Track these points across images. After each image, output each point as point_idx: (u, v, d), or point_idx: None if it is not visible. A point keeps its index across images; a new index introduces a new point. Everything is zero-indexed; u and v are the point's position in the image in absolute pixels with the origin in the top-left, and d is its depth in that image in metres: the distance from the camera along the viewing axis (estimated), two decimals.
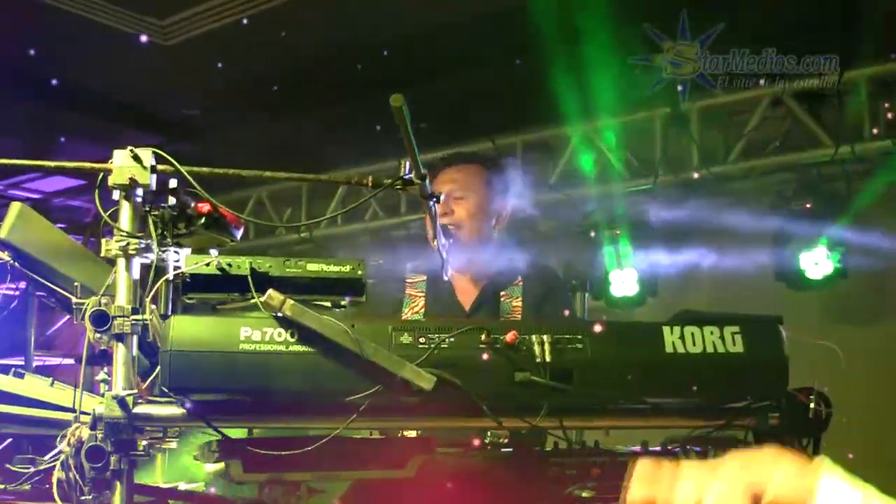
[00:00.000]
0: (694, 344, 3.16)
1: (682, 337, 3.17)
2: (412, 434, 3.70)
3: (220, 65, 8.83)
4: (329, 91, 9.04)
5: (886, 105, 8.01)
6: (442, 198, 4.45)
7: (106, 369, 3.16)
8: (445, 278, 4.22)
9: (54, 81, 9.23)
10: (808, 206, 8.34)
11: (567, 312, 4.77)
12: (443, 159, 4.93)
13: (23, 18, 8.27)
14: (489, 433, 3.56)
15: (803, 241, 8.32)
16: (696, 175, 8.84)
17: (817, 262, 8.29)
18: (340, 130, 9.39)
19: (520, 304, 4.63)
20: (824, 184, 8.41)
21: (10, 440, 3.58)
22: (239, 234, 3.52)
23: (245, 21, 8.15)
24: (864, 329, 8.25)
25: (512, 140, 9.89)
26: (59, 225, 12.28)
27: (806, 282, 8.37)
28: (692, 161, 8.90)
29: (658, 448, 3.41)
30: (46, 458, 3.41)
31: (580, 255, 9.34)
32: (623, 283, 9.18)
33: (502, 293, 4.66)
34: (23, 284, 3.71)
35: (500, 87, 8.74)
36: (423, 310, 4.67)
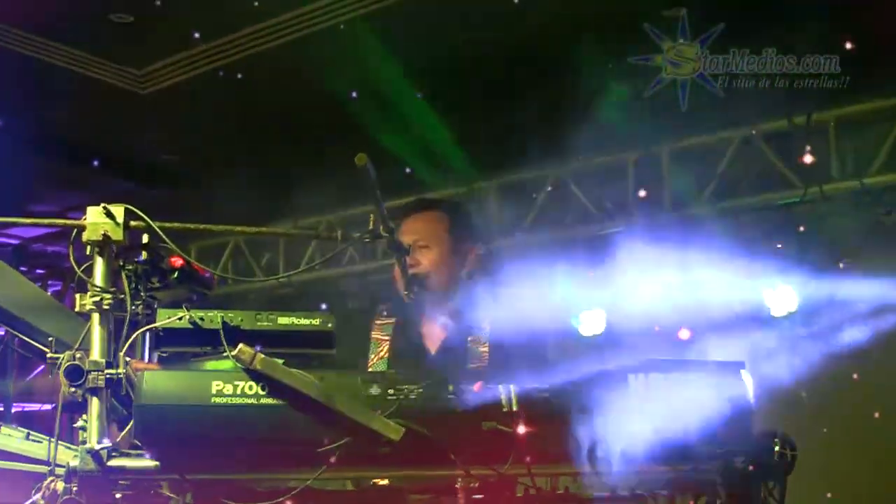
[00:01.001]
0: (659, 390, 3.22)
1: (647, 384, 3.22)
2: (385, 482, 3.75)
3: (194, 112, 8.91)
4: (307, 136, 9.12)
5: (853, 145, 8.08)
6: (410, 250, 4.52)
7: (84, 416, 3.20)
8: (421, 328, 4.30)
9: (32, 130, 9.29)
10: (778, 245, 8.41)
11: (537, 357, 4.75)
12: (403, 208, 4.94)
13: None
14: (460, 479, 3.60)
15: (772, 280, 8.38)
16: (668, 217, 8.91)
17: (781, 300, 8.35)
18: (319, 175, 9.45)
19: (487, 348, 4.63)
20: (795, 224, 8.48)
21: None
22: (213, 286, 3.57)
23: (219, 70, 8.25)
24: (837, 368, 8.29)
25: (487, 184, 9.95)
26: (38, 271, 12.32)
27: (771, 320, 8.42)
28: (665, 203, 8.98)
29: (626, 493, 3.45)
30: None
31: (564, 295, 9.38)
32: (593, 322, 9.24)
33: (470, 337, 4.64)
34: (2, 331, 3.74)
35: (476, 131, 8.83)
36: (388, 354, 4.68)
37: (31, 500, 3.16)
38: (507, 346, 4.62)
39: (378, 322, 4.76)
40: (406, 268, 3.90)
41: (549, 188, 9.72)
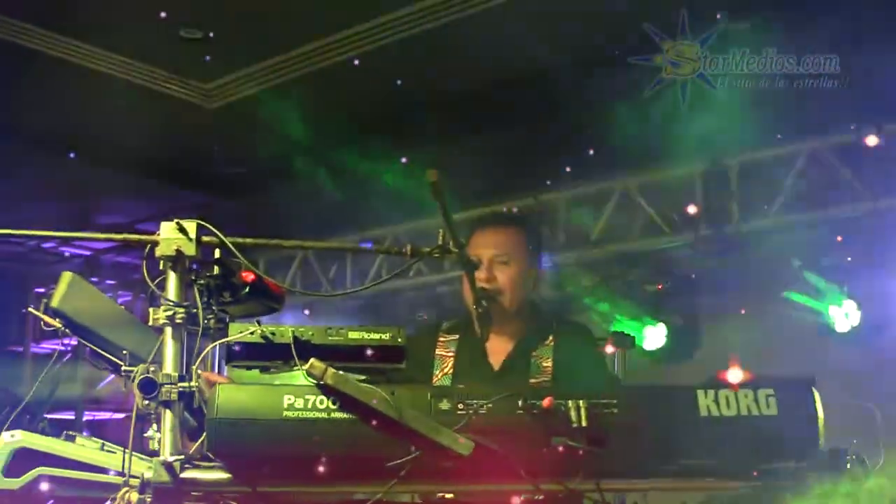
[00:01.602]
0: (728, 407, 3.21)
1: (716, 400, 3.22)
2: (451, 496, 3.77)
3: (261, 126, 8.99)
4: (374, 149, 9.16)
5: None
6: (484, 262, 4.54)
7: (155, 426, 3.25)
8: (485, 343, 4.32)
9: (99, 143, 9.43)
10: (848, 259, 8.33)
11: (600, 371, 4.76)
12: (481, 219, 4.93)
13: (70, 84, 8.47)
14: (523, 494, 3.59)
15: (840, 294, 8.31)
16: (736, 230, 8.84)
17: (847, 315, 8.27)
18: (383, 190, 9.50)
19: (550, 363, 4.59)
20: (863, 237, 8.39)
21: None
22: (283, 301, 3.61)
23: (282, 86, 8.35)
24: None
25: (555, 196, 9.94)
26: (109, 281, 12.49)
27: (836, 335, 8.35)
28: (733, 216, 8.91)
29: None
30: None
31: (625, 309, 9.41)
32: (656, 336, 9.24)
33: (533, 353, 4.63)
34: (74, 341, 3.79)
35: (544, 143, 8.85)
36: (452, 370, 4.68)
37: None
38: (572, 361, 4.63)
39: (442, 339, 4.77)
40: (475, 282, 3.88)
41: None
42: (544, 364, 4.61)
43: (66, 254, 13.11)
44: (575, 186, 9.84)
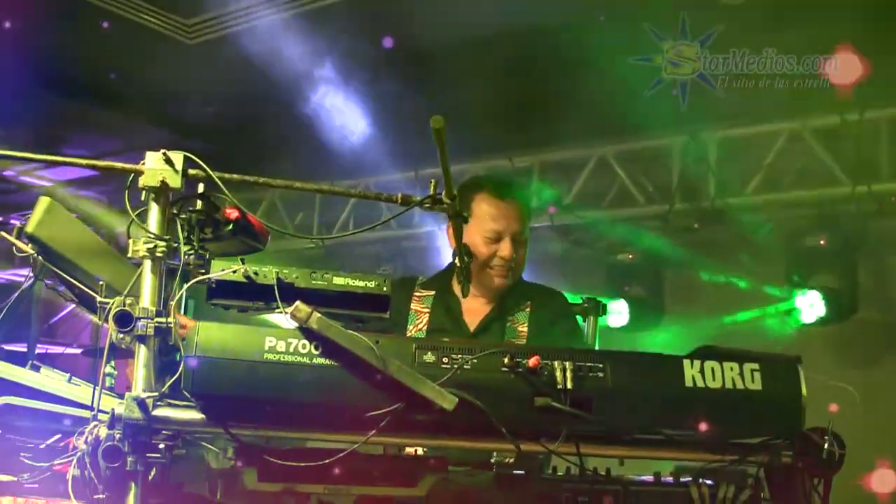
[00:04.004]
0: (714, 379, 3.18)
1: (702, 371, 3.19)
2: (419, 450, 3.74)
3: (239, 66, 8.86)
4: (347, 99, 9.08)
5: None
6: (506, 237, 4.49)
7: (113, 362, 3.18)
8: (462, 298, 4.27)
9: (70, 72, 9.27)
10: (822, 242, 8.32)
11: (575, 338, 4.73)
12: (495, 183, 4.79)
13: (45, 9, 8.29)
14: (495, 452, 3.55)
15: (814, 278, 8.32)
16: (711, 205, 8.81)
17: (812, 304, 8.29)
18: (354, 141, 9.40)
19: (526, 328, 4.62)
20: (840, 221, 8.39)
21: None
22: (266, 241, 3.54)
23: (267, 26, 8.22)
24: (870, 369, 8.26)
25: (529, 159, 9.87)
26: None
27: (799, 323, 8.37)
28: (708, 191, 8.88)
29: (670, 479, 3.41)
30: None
31: (594, 277, 9.39)
32: (619, 312, 9.25)
33: (509, 317, 4.64)
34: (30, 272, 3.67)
35: (519, 104, 8.77)
36: (426, 326, 4.64)
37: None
38: (548, 327, 4.61)
39: (417, 294, 4.74)
40: (461, 236, 3.81)
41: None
42: (520, 329, 4.60)
43: (27, 182, 12.92)
44: (551, 151, 9.78)
